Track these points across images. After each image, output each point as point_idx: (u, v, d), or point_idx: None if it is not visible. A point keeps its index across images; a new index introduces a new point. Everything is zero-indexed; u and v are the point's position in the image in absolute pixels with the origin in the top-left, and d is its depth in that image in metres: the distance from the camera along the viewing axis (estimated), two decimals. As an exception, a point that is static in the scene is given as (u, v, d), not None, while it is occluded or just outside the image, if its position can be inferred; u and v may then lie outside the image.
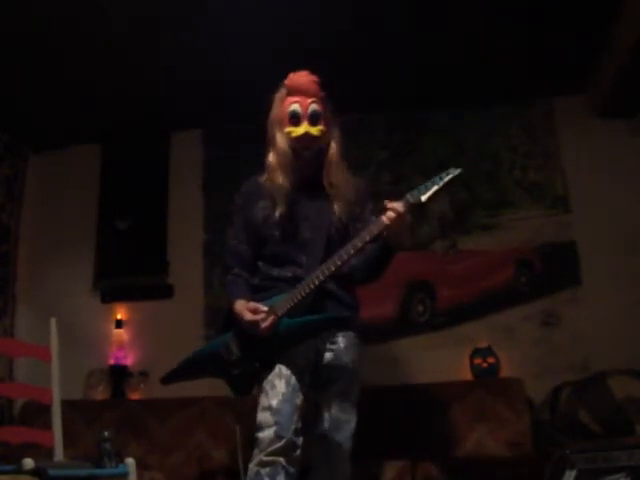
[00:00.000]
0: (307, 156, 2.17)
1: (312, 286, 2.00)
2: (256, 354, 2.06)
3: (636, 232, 3.64)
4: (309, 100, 2.16)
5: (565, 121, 3.96)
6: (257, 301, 2.11)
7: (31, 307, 4.07)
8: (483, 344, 3.59)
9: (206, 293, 4.01)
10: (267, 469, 1.90)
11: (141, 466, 2.52)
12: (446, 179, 1.91)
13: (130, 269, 4.11)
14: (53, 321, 2.59)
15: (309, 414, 2.06)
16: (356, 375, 2.15)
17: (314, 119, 2.15)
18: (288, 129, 2.16)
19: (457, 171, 1.93)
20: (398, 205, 1.91)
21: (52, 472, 2.02)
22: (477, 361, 3.56)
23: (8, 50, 3.30)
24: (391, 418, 3.28)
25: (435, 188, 1.90)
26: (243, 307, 2.09)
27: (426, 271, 3.86)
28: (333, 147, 2.19)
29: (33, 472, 1.97)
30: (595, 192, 3.78)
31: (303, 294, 2.00)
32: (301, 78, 2.19)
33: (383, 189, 3.97)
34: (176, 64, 3.55)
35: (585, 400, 3.09)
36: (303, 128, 2.13)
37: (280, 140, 2.16)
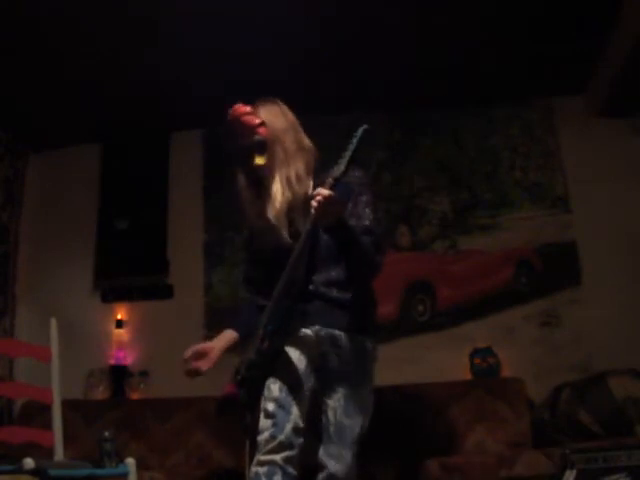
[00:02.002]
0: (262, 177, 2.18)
1: (276, 300, 1.99)
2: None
3: (636, 232, 3.64)
4: (247, 134, 2.17)
5: (565, 121, 3.96)
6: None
7: (31, 307, 4.07)
8: (483, 344, 3.60)
9: (206, 293, 4.01)
10: (264, 468, 1.90)
11: (141, 466, 2.52)
12: (355, 142, 1.96)
13: (130, 269, 4.11)
14: (53, 321, 2.59)
15: (314, 417, 2.06)
16: (364, 379, 2.12)
17: (259, 149, 2.16)
18: (245, 162, 2.18)
19: (362, 129, 1.99)
20: (321, 190, 1.90)
21: (52, 472, 2.02)
22: (477, 361, 3.56)
23: (8, 50, 3.30)
24: (391, 418, 3.28)
25: (348, 154, 1.94)
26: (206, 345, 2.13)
27: (426, 271, 3.86)
28: (282, 166, 2.15)
29: (33, 472, 1.97)
30: (595, 192, 3.78)
31: (272, 308, 1.99)
32: (233, 116, 2.19)
33: (383, 189, 3.98)
34: (176, 64, 3.55)
35: (585, 400, 3.08)
36: (255, 160, 2.14)
37: (239, 174, 2.21)
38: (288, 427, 1.92)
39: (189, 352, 2.10)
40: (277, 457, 1.89)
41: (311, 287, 2.06)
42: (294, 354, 2.01)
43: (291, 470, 1.91)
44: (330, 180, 1.91)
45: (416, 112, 4.08)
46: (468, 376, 3.58)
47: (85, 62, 3.47)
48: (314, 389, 2.03)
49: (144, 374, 3.83)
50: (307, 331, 2.04)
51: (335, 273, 2.08)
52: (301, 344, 2.03)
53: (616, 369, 3.19)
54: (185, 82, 3.72)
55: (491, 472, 2.79)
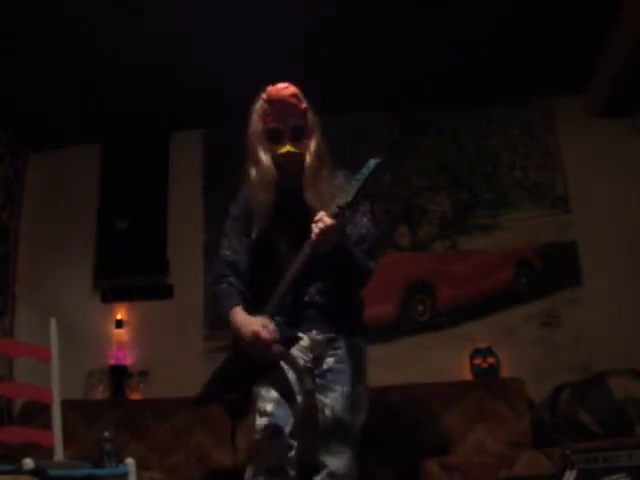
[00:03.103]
0: (293, 171, 2.10)
1: (276, 301, 1.98)
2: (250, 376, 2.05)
3: (636, 232, 3.64)
4: (290, 116, 2.07)
5: (565, 121, 3.96)
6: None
7: (31, 307, 4.07)
8: (483, 344, 3.60)
9: (206, 293, 4.01)
10: (263, 477, 1.90)
11: (141, 466, 2.52)
12: (367, 174, 1.91)
13: (130, 269, 4.11)
14: (53, 321, 2.59)
15: (312, 418, 2.06)
16: (359, 378, 2.13)
17: (295, 135, 2.08)
18: (271, 146, 2.09)
19: (375, 162, 1.93)
20: (324, 218, 1.90)
21: (52, 472, 2.02)
22: (477, 361, 3.57)
23: (8, 50, 3.30)
24: (391, 418, 3.28)
25: (358, 186, 1.91)
26: (252, 320, 1.98)
27: (426, 271, 3.86)
28: (310, 156, 2.08)
29: (33, 472, 1.97)
30: (595, 192, 3.78)
31: (268, 309, 1.99)
32: (280, 92, 2.07)
33: (383, 189, 3.98)
34: (176, 64, 3.55)
35: (585, 400, 3.08)
36: (285, 147, 2.07)
37: (263, 156, 2.08)
38: (287, 429, 1.93)
39: (267, 333, 1.95)
40: (277, 460, 1.90)
41: (306, 298, 2.08)
42: (292, 356, 2.02)
43: (291, 472, 1.92)
44: (335, 208, 1.90)
45: (416, 112, 4.08)
46: (468, 376, 3.58)
47: (85, 62, 3.47)
48: (311, 390, 2.04)
49: (144, 374, 3.83)
50: (302, 336, 2.06)
51: (329, 282, 2.09)
52: (296, 349, 2.04)
53: (616, 369, 3.19)
54: (185, 82, 3.72)
55: (491, 472, 2.79)
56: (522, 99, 4.00)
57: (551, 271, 3.76)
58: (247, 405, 2.07)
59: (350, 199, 1.90)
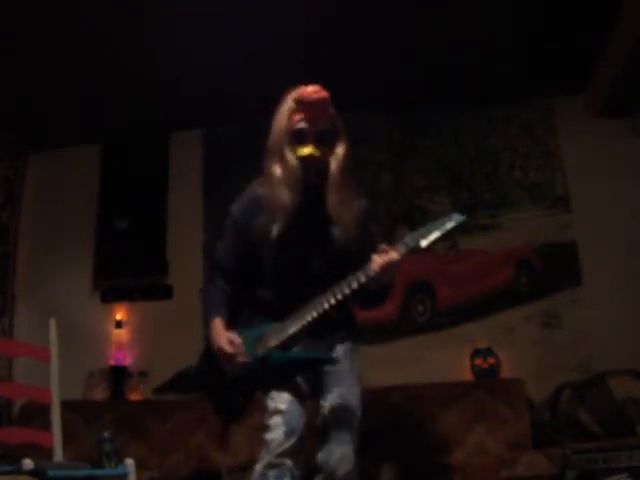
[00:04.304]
0: (315, 175, 2.08)
1: (304, 323, 1.98)
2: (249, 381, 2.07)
3: (636, 232, 3.64)
4: (318, 119, 2.06)
5: (565, 121, 3.96)
6: (244, 326, 2.10)
7: (31, 307, 4.07)
8: (483, 344, 3.59)
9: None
10: (274, 471, 1.91)
11: (141, 466, 2.52)
12: (449, 226, 1.91)
13: (130, 269, 4.11)
14: (53, 321, 2.59)
15: (313, 420, 2.07)
16: (356, 379, 2.16)
17: (321, 139, 2.06)
18: (293, 145, 2.06)
19: (461, 218, 1.93)
20: (393, 253, 1.90)
21: (51, 472, 2.02)
22: (477, 361, 3.56)
23: (8, 50, 3.30)
24: (391, 418, 3.28)
25: (437, 235, 1.90)
26: (221, 334, 2.07)
27: (426, 271, 3.85)
28: (336, 162, 2.08)
29: (32, 473, 1.97)
30: (595, 192, 3.78)
31: (295, 329, 1.98)
32: (311, 95, 2.05)
33: (383, 189, 3.98)
34: (176, 64, 3.55)
35: (585, 400, 3.08)
36: (308, 149, 2.04)
37: (290, 155, 2.05)
38: (300, 429, 1.95)
39: (230, 347, 2.04)
40: (288, 460, 1.91)
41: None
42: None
43: (298, 473, 1.94)
44: (403, 249, 1.91)
45: (416, 112, 4.08)
46: (468, 376, 3.58)
47: (85, 62, 3.47)
48: (310, 394, 2.07)
49: (143, 374, 3.83)
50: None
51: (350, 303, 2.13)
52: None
53: (616, 369, 3.19)
54: (185, 82, 3.72)
55: (491, 472, 2.79)
56: (522, 99, 3.99)
57: (551, 271, 3.76)
58: (242, 408, 2.11)
59: (423, 246, 1.90)
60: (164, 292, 4.04)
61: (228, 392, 2.10)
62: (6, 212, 4.12)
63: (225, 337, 2.06)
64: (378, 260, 1.90)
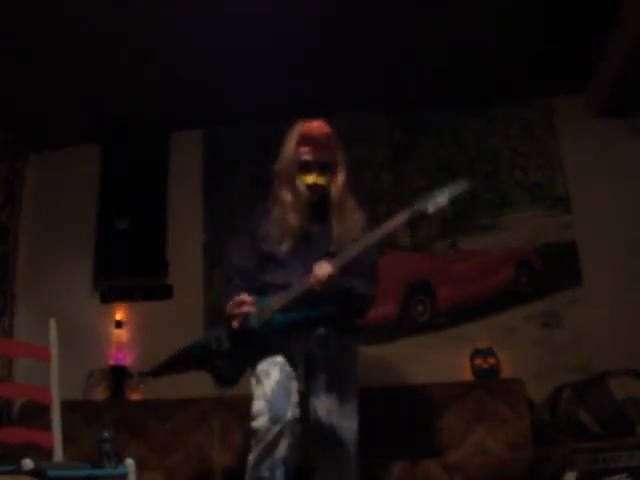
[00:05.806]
0: (316, 199, 2.30)
1: (307, 286, 2.09)
2: (247, 348, 2.14)
3: (636, 232, 3.64)
4: (321, 152, 2.28)
5: (565, 121, 3.96)
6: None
7: (31, 307, 4.07)
8: (483, 344, 3.59)
9: (206, 293, 4.01)
10: (266, 462, 1.91)
11: (141, 466, 2.52)
12: (455, 192, 2.10)
13: (130, 269, 4.10)
14: (52, 321, 2.58)
15: (310, 419, 2.07)
16: (354, 378, 2.17)
17: (323, 169, 2.29)
18: (300, 174, 2.29)
19: (465, 184, 2.14)
20: (325, 267, 2.06)
21: (51, 473, 2.01)
22: (478, 361, 3.56)
23: (8, 50, 3.30)
24: (391, 418, 3.28)
25: (444, 200, 2.10)
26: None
27: (426, 271, 3.85)
28: (336, 189, 2.31)
29: (32, 473, 1.97)
30: (595, 192, 3.78)
31: (298, 291, 2.10)
32: (314, 131, 2.29)
33: (383, 189, 3.98)
34: (176, 64, 3.55)
35: (586, 401, 3.08)
36: (312, 178, 2.28)
37: (299, 183, 2.28)
38: (288, 413, 1.95)
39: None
40: (279, 449, 1.92)
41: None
42: (290, 341, 2.14)
43: (291, 463, 1.94)
44: (417, 209, 2.10)
45: (416, 112, 4.08)
46: (468, 376, 3.58)
47: (85, 62, 3.47)
48: (308, 394, 2.09)
49: (143, 374, 3.83)
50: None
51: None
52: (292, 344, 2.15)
53: (616, 369, 3.18)
54: (185, 82, 3.72)
55: (491, 472, 2.79)
56: (522, 99, 3.99)
57: (551, 271, 3.76)
58: (236, 372, 2.20)
59: (431, 211, 2.10)
60: (164, 292, 4.04)
61: (227, 360, 2.21)
62: (6, 212, 4.12)
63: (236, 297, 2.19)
64: (311, 278, 2.07)
